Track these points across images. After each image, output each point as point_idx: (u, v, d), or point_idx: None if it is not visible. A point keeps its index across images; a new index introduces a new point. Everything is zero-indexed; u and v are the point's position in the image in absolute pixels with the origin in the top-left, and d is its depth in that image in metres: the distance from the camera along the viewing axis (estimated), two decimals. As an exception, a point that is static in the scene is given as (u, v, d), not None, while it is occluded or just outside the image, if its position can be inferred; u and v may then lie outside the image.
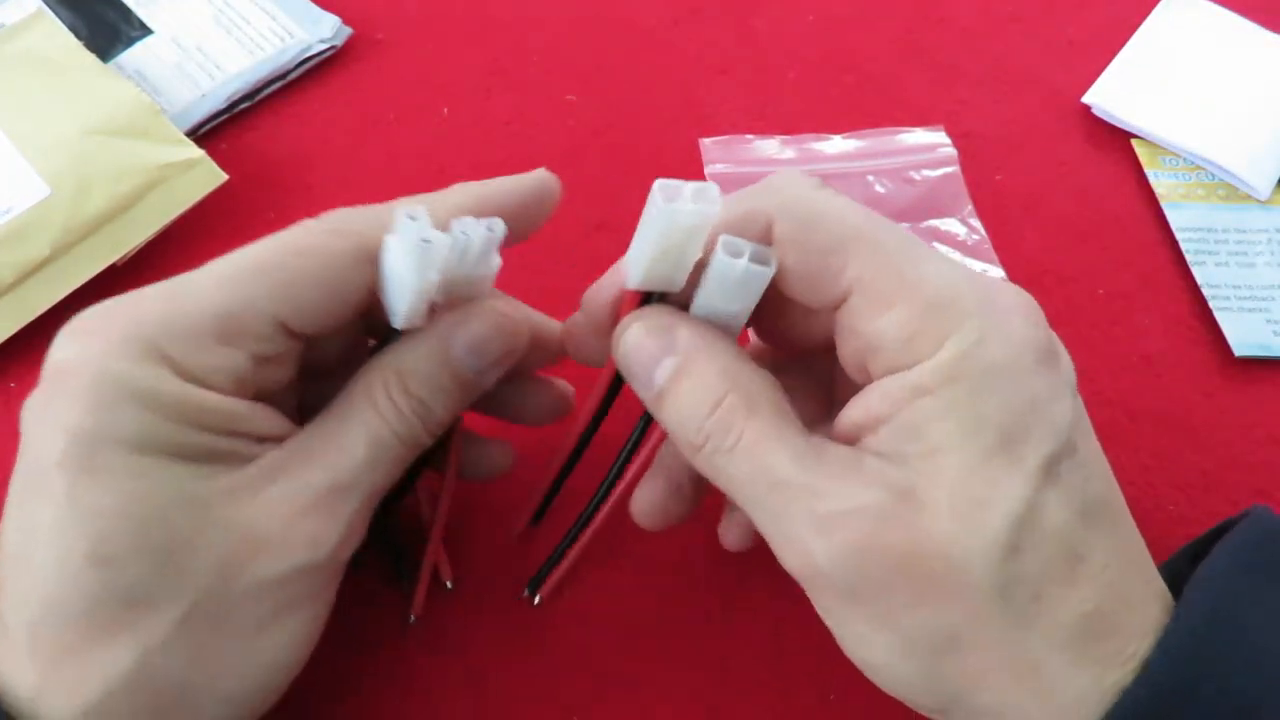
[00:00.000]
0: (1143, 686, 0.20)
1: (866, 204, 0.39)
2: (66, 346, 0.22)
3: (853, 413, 0.22)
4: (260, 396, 0.23)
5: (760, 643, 0.29)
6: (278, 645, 0.23)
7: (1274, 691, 0.20)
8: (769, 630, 0.30)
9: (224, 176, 0.37)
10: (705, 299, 0.23)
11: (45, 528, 0.20)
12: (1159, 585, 0.22)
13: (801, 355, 0.26)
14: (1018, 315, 0.22)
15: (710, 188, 0.21)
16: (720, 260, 0.21)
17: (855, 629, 0.22)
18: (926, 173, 0.40)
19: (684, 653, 0.29)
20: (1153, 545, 0.23)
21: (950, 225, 0.39)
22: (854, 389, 0.23)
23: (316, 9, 0.44)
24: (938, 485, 0.20)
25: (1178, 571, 0.22)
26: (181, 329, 0.22)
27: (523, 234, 0.26)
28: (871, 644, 0.21)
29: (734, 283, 0.22)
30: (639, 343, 0.23)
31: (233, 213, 0.38)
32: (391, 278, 0.23)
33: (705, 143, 0.40)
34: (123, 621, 0.20)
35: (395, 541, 0.29)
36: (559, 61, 0.45)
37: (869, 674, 0.22)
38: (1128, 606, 0.21)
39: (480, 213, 0.23)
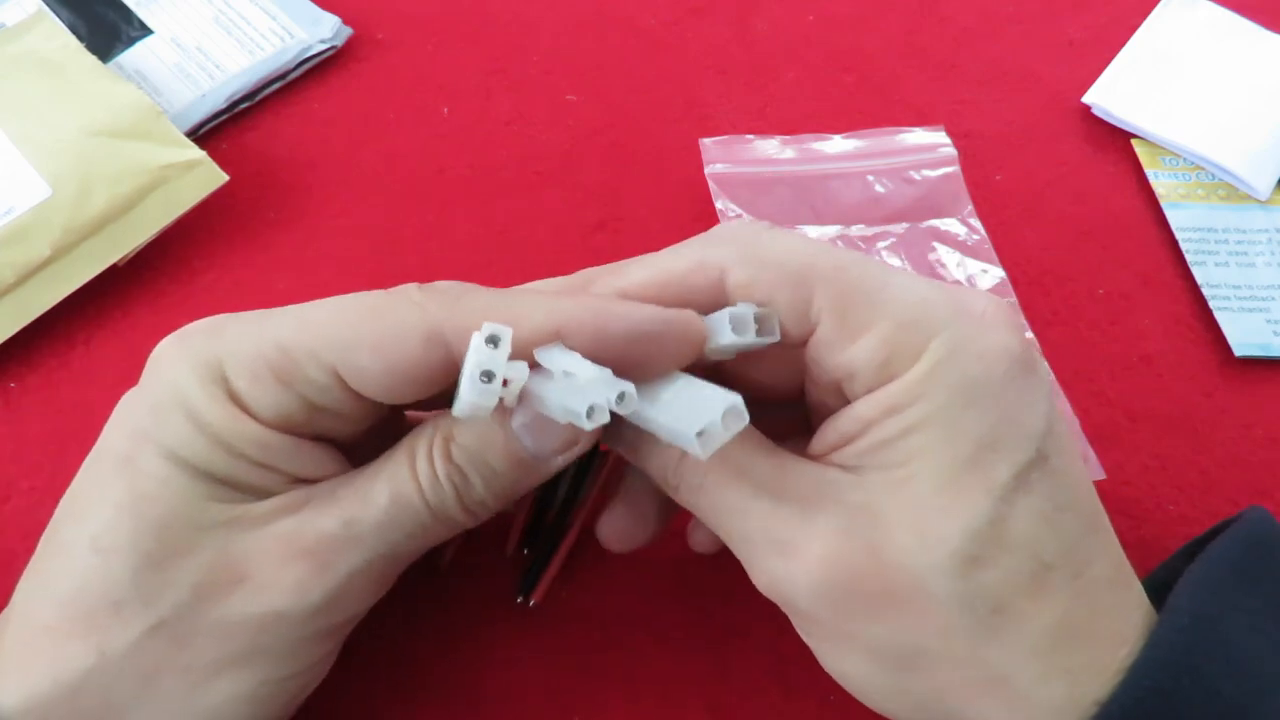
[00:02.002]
0: (1127, 692, 0.20)
1: (866, 203, 0.39)
2: (162, 349, 0.22)
3: (827, 435, 0.22)
4: (327, 439, 0.23)
5: (761, 642, 0.29)
6: (225, 698, 0.21)
7: (1258, 698, 0.20)
8: (770, 629, 0.30)
9: (225, 177, 0.37)
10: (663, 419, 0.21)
11: (77, 502, 0.22)
12: (1139, 593, 0.22)
13: (775, 400, 0.26)
14: (991, 324, 0.21)
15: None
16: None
17: (827, 646, 0.22)
18: (927, 172, 0.40)
19: (684, 652, 0.29)
20: (1152, 545, 0.23)
21: (950, 225, 0.39)
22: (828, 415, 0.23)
23: (316, 9, 0.44)
24: (901, 500, 0.20)
25: (1175, 572, 0.22)
26: (245, 356, 0.21)
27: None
28: (843, 660, 0.22)
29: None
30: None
31: (233, 213, 0.39)
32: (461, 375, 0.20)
33: (705, 143, 0.40)
34: (95, 619, 0.20)
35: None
36: (559, 61, 0.45)
37: (847, 688, 0.23)
38: (1104, 614, 0.21)
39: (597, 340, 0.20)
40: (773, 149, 0.41)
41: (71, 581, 0.21)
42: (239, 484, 0.22)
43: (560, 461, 0.23)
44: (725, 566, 0.31)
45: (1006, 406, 0.21)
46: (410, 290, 0.22)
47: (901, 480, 0.21)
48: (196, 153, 0.37)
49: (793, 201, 0.39)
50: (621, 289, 0.23)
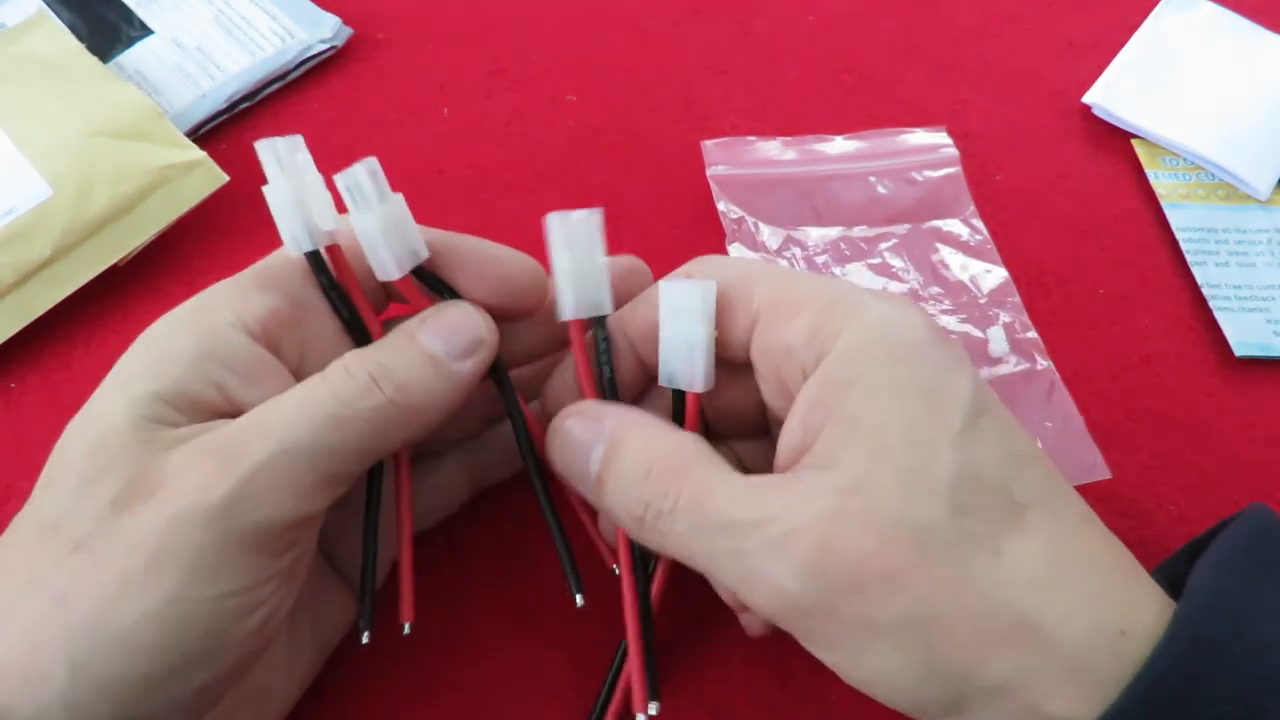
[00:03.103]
0: (1152, 668, 0.19)
1: (868, 204, 0.40)
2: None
3: (787, 439, 0.23)
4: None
5: (763, 643, 0.29)
6: (135, 616, 0.20)
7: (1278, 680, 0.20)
8: (771, 628, 0.30)
9: (225, 178, 0.37)
10: (668, 331, 0.24)
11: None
12: (1116, 540, 0.22)
13: (740, 432, 0.27)
14: (908, 304, 0.23)
15: (593, 213, 0.25)
16: (665, 287, 0.24)
17: (845, 647, 0.21)
18: (929, 173, 0.40)
19: (685, 652, 0.29)
20: (1153, 545, 0.23)
21: (953, 226, 0.39)
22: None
23: (317, 9, 0.44)
24: (877, 468, 0.21)
25: (1176, 571, 0.22)
26: (229, 285, 0.24)
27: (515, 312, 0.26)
28: (865, 656, 0.21)
29: (685, 303, 0.23)
30: (572, 430, 0.24)
31: (234, 213, 0.39)
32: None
33: (707, 144, 0.40)
34: (28, 547, 0.21)
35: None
36: (559, 61, 0.45)
37: (876, 694, 0.21)
38: (1100, 550, 0.21)
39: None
40: (774, 150, 0.41)
41: (23, 515, 0.22)
42: (195, 404, 0.22)
43: (470, 365, 0.24)
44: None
45: (937, 363, 0.22)
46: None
47: (876, 450, 0.21)
48: (197, 153, 0.37)
49: (795, 203, 0.39)
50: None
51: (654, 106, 0.43)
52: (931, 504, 0.20)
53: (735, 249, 0.38)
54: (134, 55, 0.43)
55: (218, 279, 0.38)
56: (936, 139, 0.41)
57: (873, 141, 0.41)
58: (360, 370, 0.23)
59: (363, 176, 0.23)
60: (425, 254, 0.25)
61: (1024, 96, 0.44)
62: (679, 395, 0.24)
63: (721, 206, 0.39)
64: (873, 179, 0.40)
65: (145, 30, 0.44)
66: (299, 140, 0.24)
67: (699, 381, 0.24)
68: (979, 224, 0.39)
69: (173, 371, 0.22)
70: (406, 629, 0.26)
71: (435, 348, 0.24)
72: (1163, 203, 0.41)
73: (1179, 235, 0.39)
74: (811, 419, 0.22)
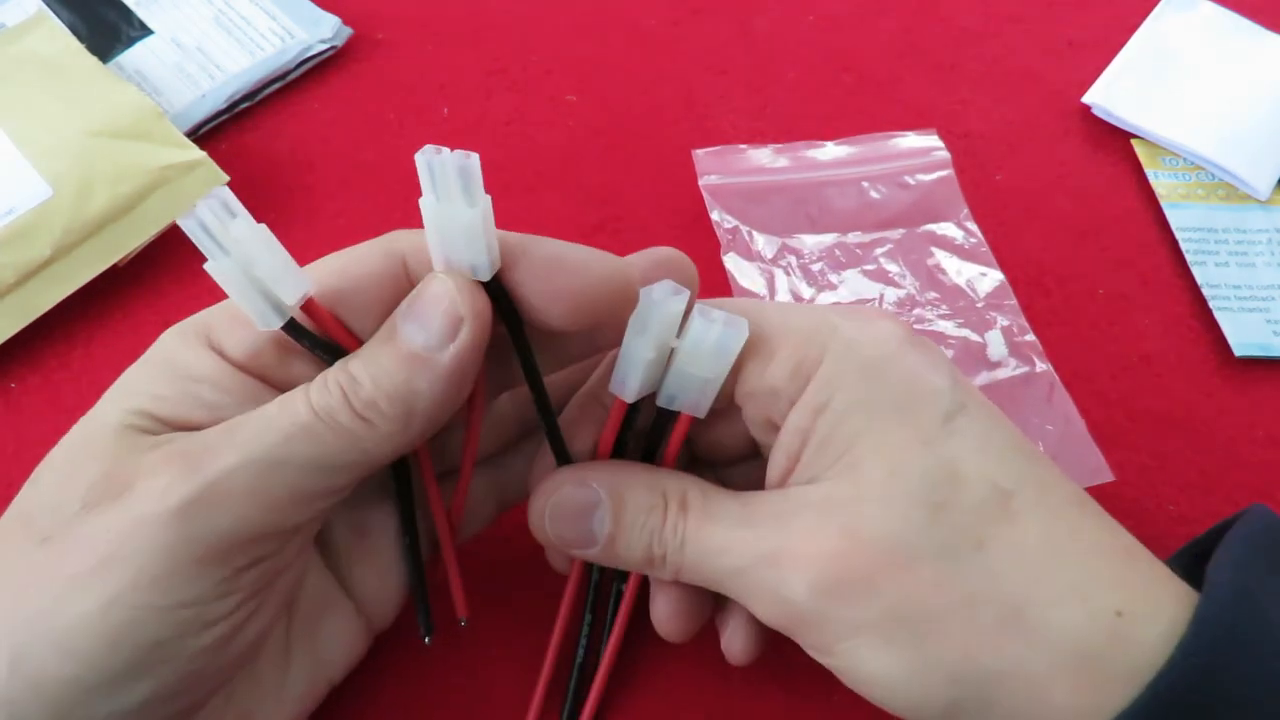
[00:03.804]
0: (1177, 667, 0.19)
1: (861, 210, 0.40)
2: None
3: (777, 460, 0.24)
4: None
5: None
6: (78, 613, 0.19)
7: None
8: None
9: (225, 177, 0.37)
10: (686, 364, 0.23)
11: None
12: (1113, 523, 0.22)
13: (732, 459, 0.27)
14: (874, 317, 0.24)
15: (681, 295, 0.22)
16: (696, 323, 0.22)
17: (843, 653, 0.22)
18: (921, 177, 0.40)
19: (685, 652, 0.29)
20: (1153, 545, 0.23)
21: (947, 229, 0.39)
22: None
23: (317, 9, 0.44)
24: (854, 481, 0.22)
25: (1178, 569, 0.22)
26: (225, 307, 0.23)
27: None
28: (862, 660, 0.21)
29: (710, 347, 0.22)
30: (569, 498, 0.24)
31: (233, 213, 0.39)
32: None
33: (698, 154, 0.40)
34: (14, 531, 0.21)
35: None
36: (559, 61, 0.45)
37: (874, 697, 0.22)
38: (1088, 533, 0.21)
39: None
40: (766, 158, 0.41)
41: (9, 508, 0.22)
42: (187, 421, 0.22)
43: (451, 352, 0.21)
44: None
45: (908, 372, 0.23)
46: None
47: (849, 465, 0.22)
48: (197, 153, 0.37)
49: (788, 210, 0.39)
50: None
51: (654, 106, 0.43)
52: (905, 509, 0.21)
53: (730, 259, 0.38)
54: (134, 55, 0.43)
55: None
56: (928, 142, 0.41)
57: (864, 146, 0.41)
58: (333, 382, 0.21)
59: (452, 172, 0.22)
60: (497, 265, 0.22)
61: (1024, 96, 0.44)
62: (668, 414, 0.24)
63: (715, 216, 0.39)
64: (865, 184, 0.40)
65: (145, 30, 0.44)
66: (227, 197, 0.20)
67: (703, 410, 0.24)
68: (973, 226, 0.39)
69: (170, 387, 0.22)
70: (464, 622, 0.27)
71: (415, 339, 0.21)
72: (1162, 203, 0.41)
73: (1179, 235, 0.39)
74: (792, 445, 0.23)
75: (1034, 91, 0.44)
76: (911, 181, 0.40)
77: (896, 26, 0.47)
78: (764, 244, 0.38)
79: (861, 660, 0.21)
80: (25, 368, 0.35)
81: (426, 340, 0.21)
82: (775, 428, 0.24)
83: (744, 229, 0.38)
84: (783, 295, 0.37)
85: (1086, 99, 0.43)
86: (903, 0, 0.48)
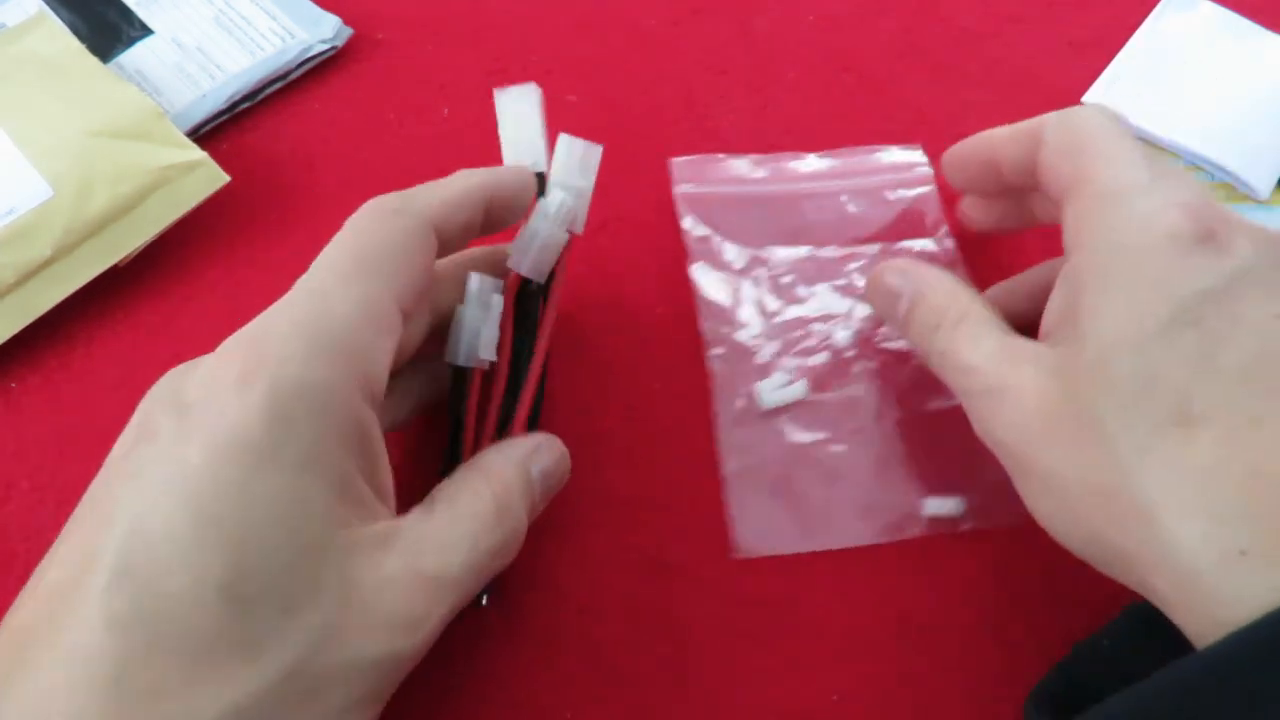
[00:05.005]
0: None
1: (839, 224, 0.39)
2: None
3: (1047, 316, 0.27)
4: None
5: (769, 640, 0.29)
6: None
7: None
8: (774, 630, 0.30)
9: (226, 178, 0.37)
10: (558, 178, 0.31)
11: (163, 516, 0.18)
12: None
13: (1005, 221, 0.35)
14: (1170, 197, 0.24)
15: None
16: (563, 141, 0.31)
17: (1027, 485, 0.25)
18: (902, 192, 0.40)
19: (685, 651, 0.29)
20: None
21: (925, 245, 0.38)
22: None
23: (317, 9, 0.44)
24: (1076, 358, 0.24)
25: None
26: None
27: (503, 223, 0.30)
28: (1032, 498, 0.25)
29: (578, 159, 0.31)
30: (887, 282, 0.32)
31: (235, 213, 0.39)
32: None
33: (675, 162, 0.40)
34: (224, 664, 0.18)
35: None
36: (559, 61, 0.45)
37: (1040, 521, 0.25)
38: (1265, 479, 0.20)
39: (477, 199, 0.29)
40: (744, 168, 0.40)
41: (174, 625, 0.18)
42: (352, 500, 0.21)
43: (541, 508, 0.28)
44: (728, 563, 0.31)
45: (1159, 268, 0.23)
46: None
47: (1077, 338, 0.24)
48: (197, 153, 0.37)
49: (764, 222, 0.39)
50: None
51: (654, 106, 0.43)
52: (1099, 396, 0.23)
53: (699, 269, 0.37)
54: (134, 55, 0.43)
55: (218, 279, 0.38)
56: (911, 157, 0.41)
57: (846, 160, 0.41)
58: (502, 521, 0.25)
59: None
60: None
61: (1024, 96, 0.44)
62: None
63: (686, 224, 0.38)
64: (844, 198, 0.39)
65: (145, 30, 0.44)
66: (499, 284, 0.29)
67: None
68: (950, 244, 0.39)
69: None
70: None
71: (538, 490, 0.27)
72: (1162, 203, 0.40)
73: (1179, 235, 0.39)
74: (1054, 305, 0.26)
75: (1034, 91, 0.44)
76: (891, 197, 0.40)
77: (896, 26, 0.47)
78: (734, 254, 0.38)
79: (1034, 500, 0.25)
80: (25, 368, 0.35)
81: (543, 495, 0.28)
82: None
83: (715, 237, 0.38)
84: (748, 308, 0.36)
85: (1086, 99, 0.43)
86: (903, 0, 0.48)
